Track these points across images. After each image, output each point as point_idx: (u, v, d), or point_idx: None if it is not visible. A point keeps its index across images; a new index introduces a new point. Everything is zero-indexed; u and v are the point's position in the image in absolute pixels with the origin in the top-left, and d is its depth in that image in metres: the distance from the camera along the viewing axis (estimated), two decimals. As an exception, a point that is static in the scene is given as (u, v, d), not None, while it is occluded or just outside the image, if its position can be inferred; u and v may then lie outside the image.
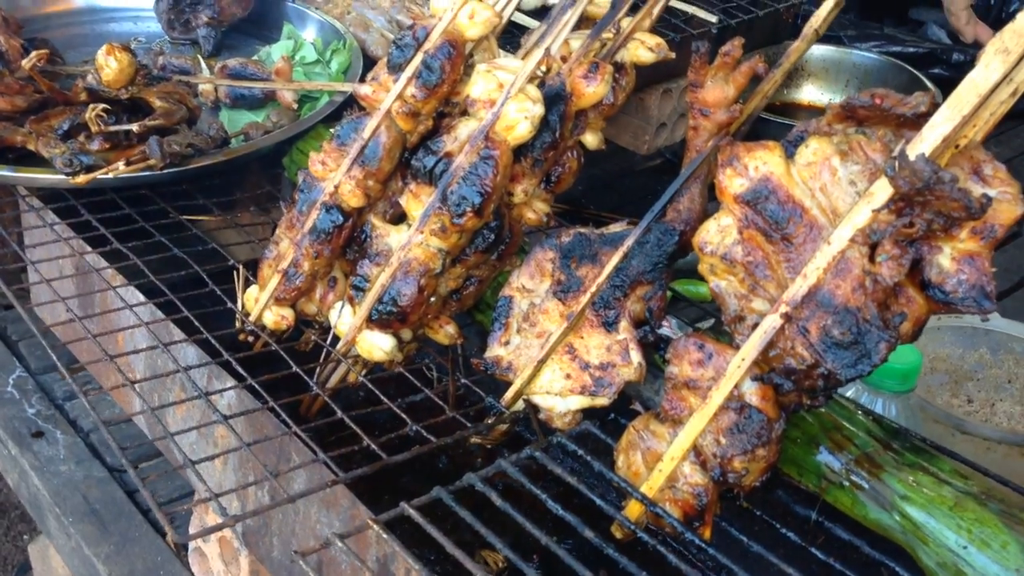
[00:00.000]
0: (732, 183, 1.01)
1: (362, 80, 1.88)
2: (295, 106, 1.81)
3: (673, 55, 1.33)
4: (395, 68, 1.26)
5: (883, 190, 0.93)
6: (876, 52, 3.15)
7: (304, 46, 2.01)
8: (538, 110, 1.18)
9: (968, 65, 3.48)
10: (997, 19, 3.32)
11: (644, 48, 1.32)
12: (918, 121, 0.96)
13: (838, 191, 0.97)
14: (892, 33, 3.33)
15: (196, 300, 1.36)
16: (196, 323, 1.29)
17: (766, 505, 1.06)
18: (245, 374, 1.20)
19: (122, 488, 1.64)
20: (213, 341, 1.26)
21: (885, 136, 0.98)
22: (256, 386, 1.19)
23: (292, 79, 1.83)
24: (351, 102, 1.78)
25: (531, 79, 1.20)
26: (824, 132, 1.01)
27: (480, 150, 1.19)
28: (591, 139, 1.33)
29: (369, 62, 2.00)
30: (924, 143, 0.92)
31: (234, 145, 1.67)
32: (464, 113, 1.27)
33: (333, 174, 1.29)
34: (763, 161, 1.00)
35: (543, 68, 1.21)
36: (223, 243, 1.63)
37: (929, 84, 2.93)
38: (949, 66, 3.20)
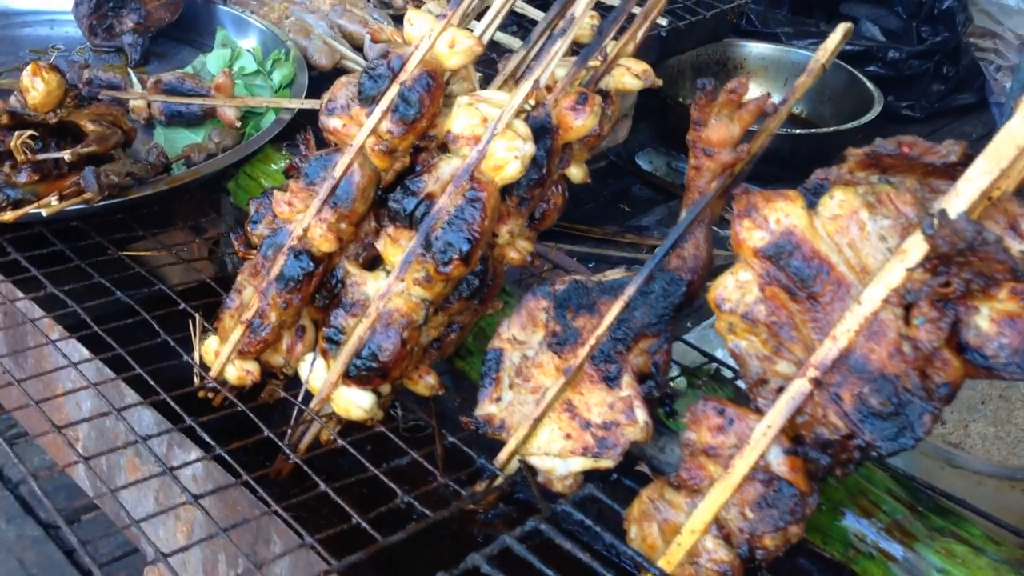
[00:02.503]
0: (751, 236, 0.94)
1: (309, 95, 1.77)
2: (238, 124, 1.69)
3: (660, 82, 1.26)
4: (367, 100, 1.16)
5: (917, 247, 0.88)
6: (814, 50, 3.14)
7: (242, 55, 1.88)
8: (529, 149, 1.10)
9: (903, 62, 3.47)
10: (929, 16, 3.34)
11: (630, 75, 1.24)
12: (947, 170, 0.91)
13: (868, 247, 0.91)
14: (828, 30, 3.32)
15: (146, 351, 1.24)
16: (151, 382, 1.17)
17: (789, 574, 1.00)
18: (212, 442, 1.09)
19: (60, 548, 1.51)
20: (172, 404, 1.14)
21: (913, 186, 0.92)
22: (226, 456, 1.08)
23: (234, 95, 1.70)
24: (301, 120, 1.66)
25: (518, 113, 1.12)
26: (846, 180, 0.95)
27: (465, 191, 1.10)
28: (576, 172, 1.25)
29: (313, 73, 1.88)
30: (960, 197, 0.86)
31: (176, 172, 1.54)
32: (443, 148, 1.18)
33: (301, 216, 1.18)
34: (784, 213, 0.93)
35: (530, 102, 1.13)
36: (155, 267, 1.50)
37: (868, 83, 2.94)
38: (884, 63, 3.22)
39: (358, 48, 2.07)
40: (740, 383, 1.30)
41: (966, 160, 0.90)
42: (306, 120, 1.68)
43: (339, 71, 2.00)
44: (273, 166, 1.59)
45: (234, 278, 1.47)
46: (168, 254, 1.49)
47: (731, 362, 1.45)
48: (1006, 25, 3.24)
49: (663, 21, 2.38)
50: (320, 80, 1.90)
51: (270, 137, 1.62)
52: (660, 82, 1.25)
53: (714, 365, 1.28)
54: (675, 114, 2.74)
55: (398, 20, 2.23)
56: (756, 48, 3.14)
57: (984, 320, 0.87)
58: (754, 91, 3.31)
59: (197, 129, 1.72)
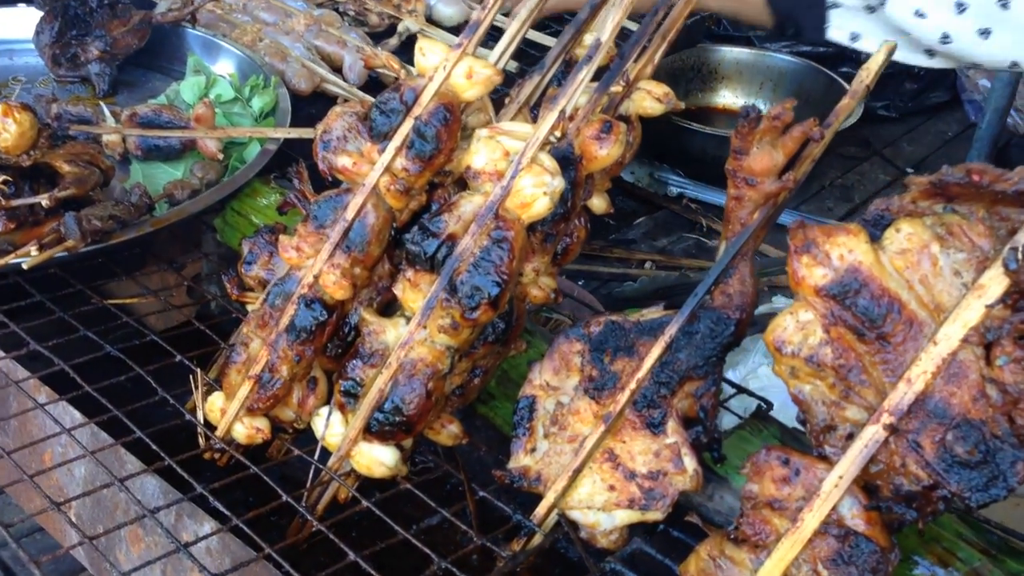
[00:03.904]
0: (812, 273, 0.88)
1: (294, 123, 1.69)
2: (220, 156, 1.59)
3: (682, 105, 1.20)
4: (379, 136, 1.08)
5: (996, 282, 0.82)
6: (787, 53, 3.10)
7: (218, 82, 1.78)
8: (558, 184, 1.03)
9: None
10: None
11: (651, 99, 1.18)
12: (1018, 198, 0.85)
13: (941, 283, 0.85)
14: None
15: (144, 411, 1.15)
16: (154, 447, 1.08)
17: (857, 628, 0.94)
18: (227, 512, 1.01)
19: (51, 618, 1.41)
20: (179, 470, 1.06)
21: (983, 216, 0.87)
22: (244, 527, 1.00)
23: (215, 125, 1.60)
24: (288, 151, 1.58)
25: (543, 146, 1.05)
26: (910, 211, 0.89)
27: (491, 231, 1.03)
28: (598, 203, 1.19)
29: (294, 99, 1.79)
30: (1041, 228, 0.81)
31: (159, 213, 1.45)
32: (460, 184, 1.11)
33: (311, 261, 1.09)
34: (848, 248, 0.87)
35: (556, 133, 1.06)
36: (142, 315, 1.41)
37: (847, 86, 2.90)
38: (857, 64, 3.19)
39: (337, 70, 1.98)
40: (773, 414, 1.25)
41: (1040, 187, 0.85)
42: (293, 149, 1.60)
43: (319, 95, 1.92)
44: (263, 201, 1.51)
45: (220, 320, 1.39)
46: (156, 300, 1.40)
47: (747, 387, 1.40)
48: (974, 23, 3.23)
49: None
50: (300, 106, 1.82)
51: (257, 170, 1.53)
52: (682, 105, 1.19)
53: (753, 401, 1.22)
54: (655, 123, 2.69)
55: (375, 38, 2.15)
56: (731, 52, 3.09)
57: (1069, 357, 0.82)
58: (729, 96, 3.22)
59: (176, 163, 1.62)
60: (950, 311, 0.84)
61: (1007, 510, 1.40)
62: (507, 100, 1.23)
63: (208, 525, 1.03)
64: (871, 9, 1.56)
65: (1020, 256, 0.79)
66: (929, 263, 0.86)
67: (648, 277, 2.33)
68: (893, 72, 3.24)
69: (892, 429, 0.85)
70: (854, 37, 1.60)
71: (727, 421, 1.28)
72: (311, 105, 1.86)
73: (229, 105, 1.75)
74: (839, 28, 1.62)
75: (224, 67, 1.86)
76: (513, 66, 1.94)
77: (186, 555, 0.95)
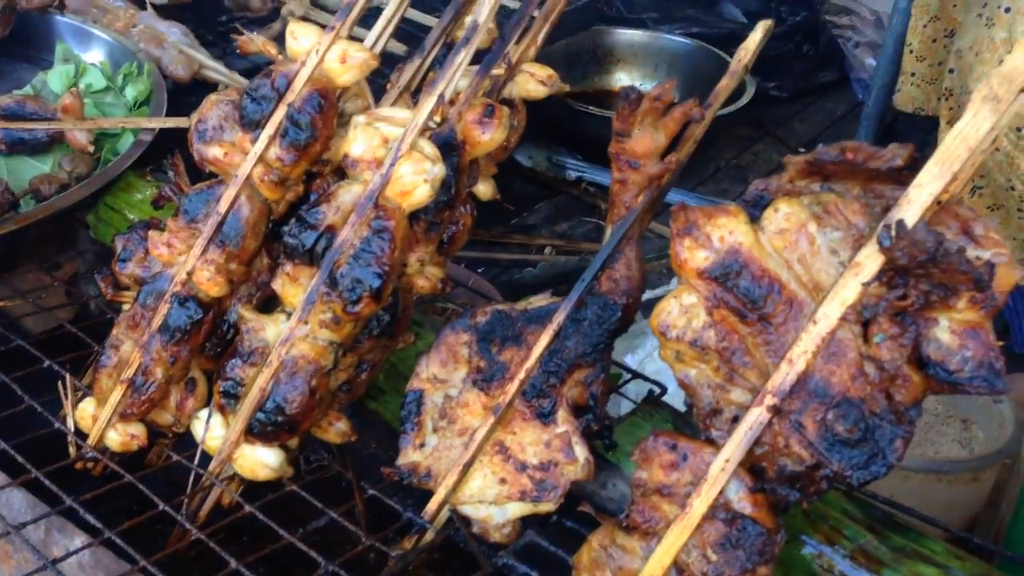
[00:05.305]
0: (694, 256, 0.87)
1: (169, 112, 1.62)
2: (91, 148, 1.51)
3: (568, 87, 1.18)
4: (251, 125, 1.03)
5: (871, 260, 0.82)
6: (680, 35, 3.12)
7: (88, 70, 1.70)
8: (439, 171, 1.00)
9: (766, 43, 3.46)
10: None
11: (535, 81, 1.16)
12: (892, 175, 0.86)
13: (819, 262, 0.85)
14: (692, 14, 3.32)
15: (9, 421, 1.09)
16: (19, 459, 1.02)
17: (749, 609, 0.94)
18: (99, 524, 0.96)
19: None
20: (46, 481, 1.00)
21: (858, 194, 0.87)
22: (117, 540, 0.94)
23: (84, 116, 1.52)
24: (165, 141, 1.51)
25: (423, 131, 1.01)
26: (788, 191, 0.89)
27: (370, 221, 0.99)
28: (484, 189, 1.16)
29: (172, 86, 1.72)
30: (913, 205, 0.81)
31: (25, 209, 1.37)
32: (340, 173, 1.07)
33: (183, 258, 1.04)
34: (728, 230, 0.87)
35: (435, 118, 1.03)
36: (13, 317, 1.34)
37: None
38: (749, 45, 3.24)
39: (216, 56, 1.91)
40: (669, 398, 1.24)
41: (912, 163, 0.85)
42: (170, 140, 1.53)
43: (198, 82, 1.85)
44: (138, 195, 1.44)
45: (98, 322, 1.33)
46: (26, 302, 1.32)
47: (644, 372, 1.40)
48: (861, 1, 3.31)
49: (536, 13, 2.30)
50: (179, 94, 1.75)
51: (130, 162, 1.46)
52: (568, 87, 1.17)
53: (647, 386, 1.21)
54: (552, 107, 2.67)
55: (259, 23, 2.08)
56: (625, 35, 3.10)
57: (944, 333, 0.82)
58: (625, 78, 3.23)
59: (44, 157, 1.54)
60: (828, 290, 0.84)
61: (895, 484, 1.44)
62: (388, 86, 1.20)
63: (79, 539, 0.98)
64: None
65: (893, 233, 0.80)
66: (807, 242, 0.86)
67: (548, 263, 2.32)
68: (783, 54, 3.30)
69: (775, 410, 0.85)
70: None
71: (624, 407, 1.28)
72: (191, 93, 1.79)
73: (100, 95, 1.67)
74: None
75: (95, 55, 1.77)
76: (402, 49, 1.90)
77: (54, 572, 0.90)
